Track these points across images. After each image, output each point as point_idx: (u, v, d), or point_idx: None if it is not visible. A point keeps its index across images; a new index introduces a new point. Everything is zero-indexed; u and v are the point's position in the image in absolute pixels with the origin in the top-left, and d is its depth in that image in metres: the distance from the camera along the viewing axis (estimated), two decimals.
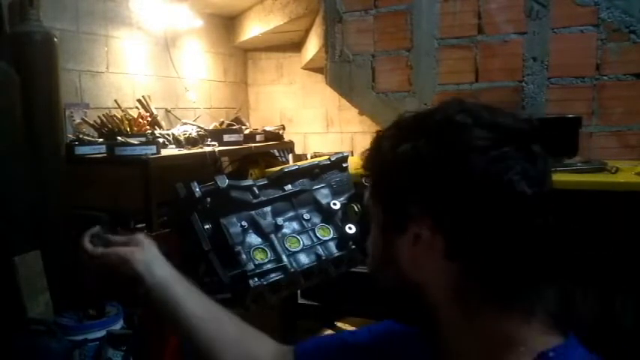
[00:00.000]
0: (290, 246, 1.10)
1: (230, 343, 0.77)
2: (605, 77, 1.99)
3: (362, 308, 2.10)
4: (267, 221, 1.11)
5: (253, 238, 1.09)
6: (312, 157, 3.35)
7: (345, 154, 1.30)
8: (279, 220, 1.13)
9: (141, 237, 0.85)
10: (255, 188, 1.12)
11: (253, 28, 3.39)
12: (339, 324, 2.64)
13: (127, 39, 2.73)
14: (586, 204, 1.47)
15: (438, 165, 0.54)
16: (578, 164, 1.68)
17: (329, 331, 2.58)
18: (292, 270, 1.06)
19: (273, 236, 1.10)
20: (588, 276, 1.52)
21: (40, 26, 2.01)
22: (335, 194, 1.23)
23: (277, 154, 3.22)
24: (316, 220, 1.19)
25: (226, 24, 3.60)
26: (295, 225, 1.16)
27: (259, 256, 1.05)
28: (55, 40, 2.03)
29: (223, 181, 1.04)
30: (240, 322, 0.81)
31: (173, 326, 0.81)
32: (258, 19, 3.33)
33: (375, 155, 0.62)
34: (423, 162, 0.54)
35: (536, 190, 0.52)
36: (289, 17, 3.02)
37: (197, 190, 1.00)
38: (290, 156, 3.24)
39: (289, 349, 0.80)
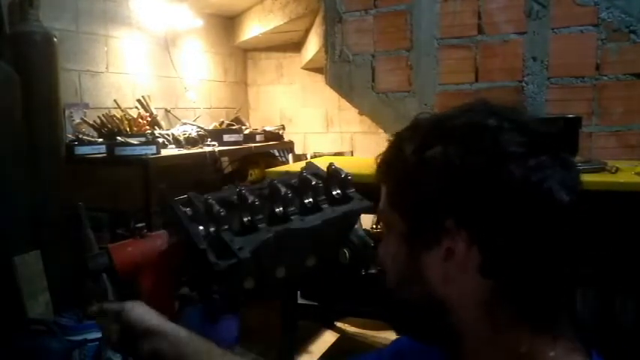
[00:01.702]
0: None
1: None
2: (605, 77, 1.98)
3: (362, 308, 2.09)
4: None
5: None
6: (312, 157, 3.35)
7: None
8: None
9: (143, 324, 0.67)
10: None
11: (253, 28, 3.39)
12: (339, 324, 2.64)
13: (126, 39, 2.73)
14: (586, 204, 1.46)
15: (473, 173, 0.50)
16: (578, 164, 1.68)
17: (329, 331, 2.59)
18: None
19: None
20: (588, 276, 1.52)
21: (39, 26, 2.01)
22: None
23: (277, 154, 3.22)
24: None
25: (226, 24, 3.59)
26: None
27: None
28: (55, 40, 2.04)
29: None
30: None
31: None
32: (258, 19, 3.33)
33: (394, 159, 0.57)
34: (456, 169, 0.50)
35: (572, 197, 0.51)
36: (289, 17, 3.02)
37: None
38: (290, 156, 3.25)
39: None
